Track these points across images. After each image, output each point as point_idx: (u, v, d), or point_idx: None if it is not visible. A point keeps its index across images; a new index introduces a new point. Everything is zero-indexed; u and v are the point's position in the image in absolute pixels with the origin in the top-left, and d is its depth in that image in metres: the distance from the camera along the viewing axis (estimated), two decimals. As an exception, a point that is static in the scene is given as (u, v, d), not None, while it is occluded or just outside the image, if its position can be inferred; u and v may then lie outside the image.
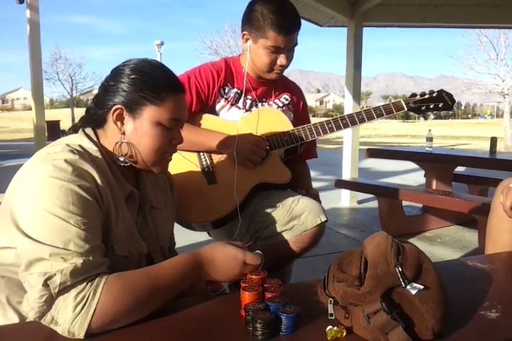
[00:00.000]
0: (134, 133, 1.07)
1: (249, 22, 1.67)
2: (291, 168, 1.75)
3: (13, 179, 0.99)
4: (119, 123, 1.07)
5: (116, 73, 1.09)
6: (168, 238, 1.29)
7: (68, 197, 0.90)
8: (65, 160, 0.94)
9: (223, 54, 29.37)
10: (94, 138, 1.08)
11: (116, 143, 1.08)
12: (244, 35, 1.71)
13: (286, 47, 1.66)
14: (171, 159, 1.17)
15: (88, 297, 0.84)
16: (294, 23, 1.65)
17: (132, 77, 1.06)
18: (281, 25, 1.61)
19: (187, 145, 1.50)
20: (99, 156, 1.04)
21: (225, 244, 1.01)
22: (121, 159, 1.08)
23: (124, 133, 1.08)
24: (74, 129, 1.13)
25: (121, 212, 1.04)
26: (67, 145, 1.01)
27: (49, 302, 0.84)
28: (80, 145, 1.03)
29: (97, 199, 0.96)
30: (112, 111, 1.06)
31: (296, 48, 1.73)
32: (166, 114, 1.07)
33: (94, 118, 1.10)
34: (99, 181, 0.98)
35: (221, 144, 1.65)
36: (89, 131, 1.10)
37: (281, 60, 1.66)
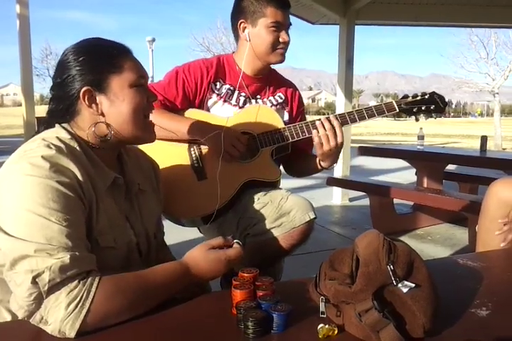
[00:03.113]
0: (113, 106, 1.06)
1: (244, 9, 1.71)
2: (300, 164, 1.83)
3: None
4: (93, 105, 1.05)
5: (62, 65, 1.06)
6: (155, 223, 1.26)
7: (48, 193, 0.88)
8: (42, 157, 0.92)
9: (215, 51, 29.32)
10: (70, 130, 1.05)
11: (94, 124, 1.05)
12: (240, 23, 1.73)
13: (285, 24, 1.71)
14: (153, 124, 1.17)
15: (82, 296, 0.84)
16: None
17: (80, 59, 1.04)
18: (277, 0, 1.69)
19: (162, 133, 1.50)
20: (77, 147, 1.01)
21: (204, 250, 1.02)
22: (102, 139, 1.06)
23: (102, 114, 1.06)
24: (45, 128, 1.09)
25: (103, 205, 1.02)
26: (43, 139, 0.98)
27: (38, 300, 0.83)
28: (57, 137, 1.00)
29: (78, 194, 0.94)
30: (81, 96, 1.04)
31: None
32: (131, 75, 1.07)
33: (62, 113, 1.07)
34: (79, 175, 0.95)
35: (197, 132, 1.63)
36: (64, 124, 1.07)
37: (283, 36, 1.71)
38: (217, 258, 1.01)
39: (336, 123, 1.60)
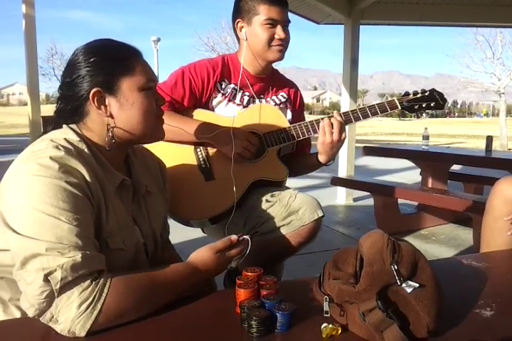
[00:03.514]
0: (122, 109, 1.06)
1: (240, 9, 1.72)
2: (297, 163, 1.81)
3: (2, 179, 0.96)
4: (102, 107, 1.05)
5: (72, 65, 1.06)
6: (161, 223, 1.27)
7: (57, 193, 0.88)
8: (50, 158, 0.92)
9: (220, 50, 29.32)
10: (78, 131, 1.05)
11: (108, 126, 1.05)
12: (237, 23, 1.74)
13: (281, 21, 1.69)
14: (163, 120, 1.17)
15: (94, 297, 0.84)
16: None
17: (92, 60, 1.04)
18: None
19: (171, 135, 1.51)
20: (85, 149, 1.01)
21: (212, 253, 1.05)
22: (111, 142, 1.06)
23: (110, 116, 1.05)
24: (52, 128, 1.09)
25: (111, 206, 1.02)
26: (52, 140, 0.98)
27: (50, 298, 0.83)
28: (65, 139, 1.00)
29: (86, 194, 0.94)
30: (90, 97, 1.03)
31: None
32: (141, 78, 1.07)
33: (70, 113, 1.07)
34: (87, 176, 0.96)
35: (206, 134, 1.63)
36: (72, 125, 1.06)
37: (279, 32, 1.68)
38: (223, 258, 1.05)
39: (340, 118, 1.64)
